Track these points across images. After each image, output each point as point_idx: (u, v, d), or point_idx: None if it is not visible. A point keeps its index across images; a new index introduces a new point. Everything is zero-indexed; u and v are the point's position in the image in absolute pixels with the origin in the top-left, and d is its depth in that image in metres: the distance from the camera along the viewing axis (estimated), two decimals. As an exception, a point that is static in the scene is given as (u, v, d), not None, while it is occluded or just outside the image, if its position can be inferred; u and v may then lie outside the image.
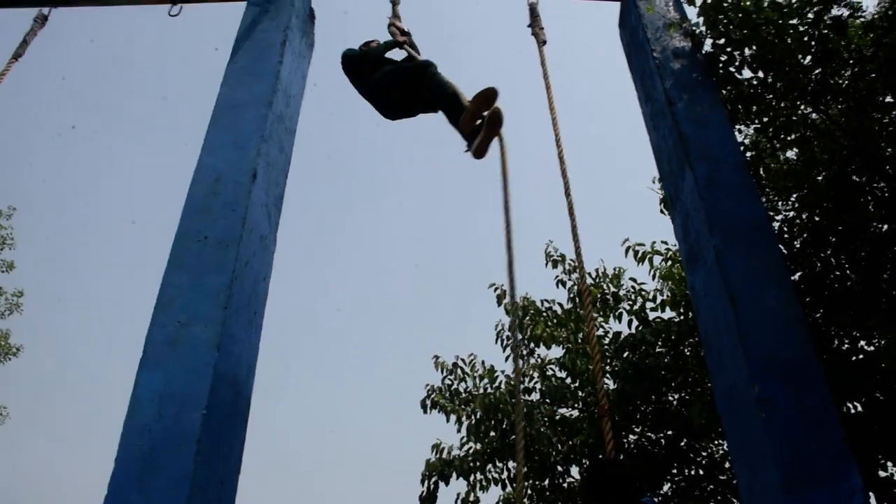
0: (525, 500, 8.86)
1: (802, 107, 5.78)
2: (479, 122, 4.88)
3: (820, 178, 6.18)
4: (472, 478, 8.84)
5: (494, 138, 4.78)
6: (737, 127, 5.81)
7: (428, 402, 9.12)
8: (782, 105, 5.64)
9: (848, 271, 6.16)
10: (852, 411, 6.19)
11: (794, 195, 6.51)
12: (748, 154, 6.42)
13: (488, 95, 4.83)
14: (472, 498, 8.96)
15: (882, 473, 6.21)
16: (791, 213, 6.57)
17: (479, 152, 4.85)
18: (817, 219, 6.21)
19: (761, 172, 6.49)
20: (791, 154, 6.60)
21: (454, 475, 8.74)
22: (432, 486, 8.83)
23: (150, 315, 3.72)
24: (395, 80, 5.50)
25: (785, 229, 6.38)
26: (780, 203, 6.70)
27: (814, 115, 5.92)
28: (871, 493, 6.03)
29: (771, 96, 5.48)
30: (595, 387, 3.90)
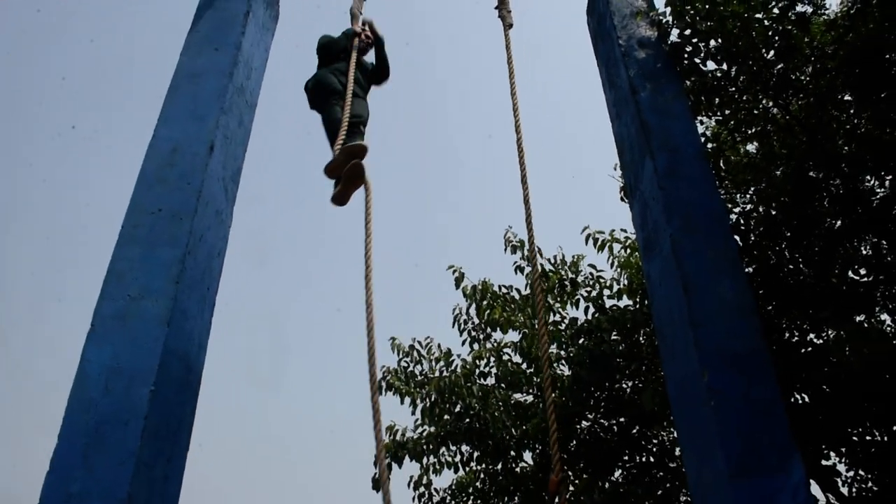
0: (477, 483, 8.93)
1: (764, 101, 5.85)
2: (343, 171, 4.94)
3: (778, 172, 6.26)
4: (424, 461, 8.87)
5: (356, 190, 4.89)
6: (698, 118, 5.85)
7: (383, 384, 9.10)
8: (744, 98, 5.69)
9: (801, 265, 6.26)
10: (799, 402, 6.31)
11: (752, 188, 6.59)
12: (709, 146, 6.48)
13: (354, 152, 4.89)
14: (424, 481, 8.99)
15: (825, 462, 6.36)
16: (748, 206, 6.65)
17: (338, 200, 4.98)
18: (773, 212, 6.29)
19: (721, 164, 6.55)
20: (751, 147, 6.68)
21: (407, 458, 8.75)
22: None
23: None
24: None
25: (741, 222, 6.46)
26: (737, 196, 6.78)
27: (774, 110, 5.99)
28: (812, 482, 6.18)
29: (733, 89, 5.53)
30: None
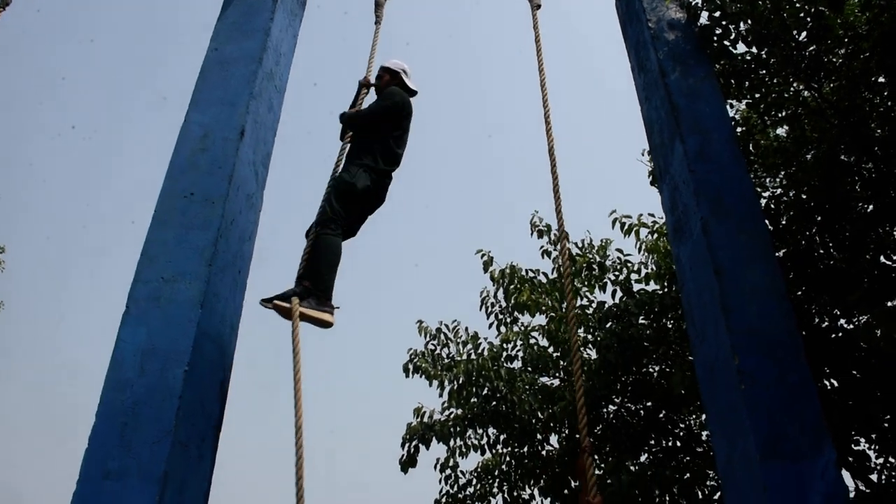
0: (503, 466, 8.97)
1: (795, 84, 5.78)
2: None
3: (809, 156, 6.20)
4: (451, 443, 8.93)
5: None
6: (728, 102, 5.79)
7: (410, 367, 9.16)
8: (775, 81, 5.63)
9: (832, 250, 6.20)
10: (829, 388, 6.27)
11: (783, 172, 6.52)
12: (738, 129, 6.42)
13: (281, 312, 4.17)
14: (451, 463, 9.06)
15: (855, 448, 6.32)
16: (778, 190, 6.59)
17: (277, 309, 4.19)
18: (804, 196, 6.23)
19: (751, 148, 6.49)
20: (781, 131, 6.61)
21: (434, 440, 8.82)
22: (412, 450, 8.91)
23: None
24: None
25: (772, 206, 6.40)
26: (767, 180, 6.72)
27: (806, 93, 5.91)
28: (843, 470, 6.14)
29: (764, 72, 5.47)
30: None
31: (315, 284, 4.33)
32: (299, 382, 3.81)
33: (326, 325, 4.31)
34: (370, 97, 5.37)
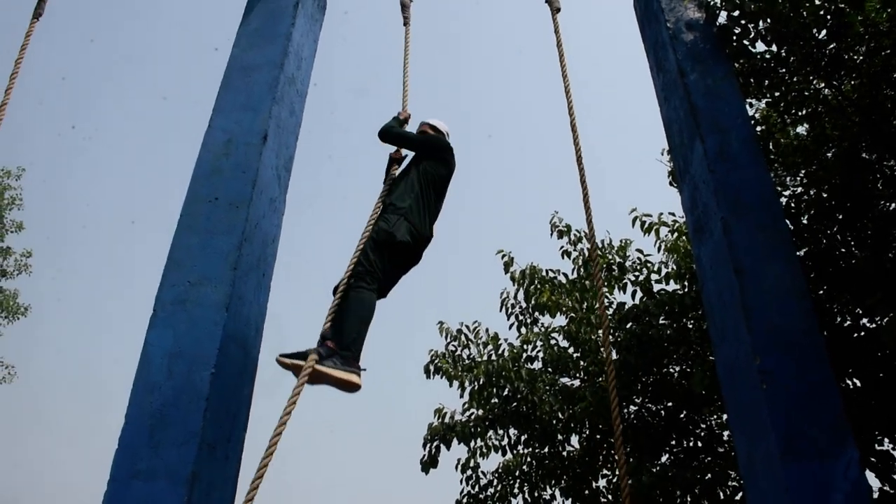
0: (524, 466, 8.99)
1: (815, 82, 5.75)
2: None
3: (829, 154, 6.17)
4: (472, 444, 8.95)
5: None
6: (748, 100, 5.78)
7: (431, 368, 9.20)
8: (794, 79, 5.61)
9: (853, 248, 6.16)
10: (851, 387, 6.24)
11: (803, 171, 6.50)
12: (758, 128, 6.39)
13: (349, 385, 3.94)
14: (472, 463, 9.08)
15: (879, 448, 6.28)
16: (799, 189, 6.56)
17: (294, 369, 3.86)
18: (825, 195, 6.20)
19: (771, 147, 6.47)
20: (801, 129, 6.58)
21: (455, 440, 8.85)
22: (434, 451, 8.95)
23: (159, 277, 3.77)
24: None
25: (792, 205, 6.38)
26: (788, 178, 6.69)
27: (826, 91, 5.88)
28: (866, 468, 6.11)
29: (784, 70, 5.45)
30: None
31: (341, 344, 3.98)
32: (274, 446, 3.42)
33: (353, 387, 3.93)
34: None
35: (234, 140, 4.26)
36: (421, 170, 4.78)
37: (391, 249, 4.37)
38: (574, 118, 4.98)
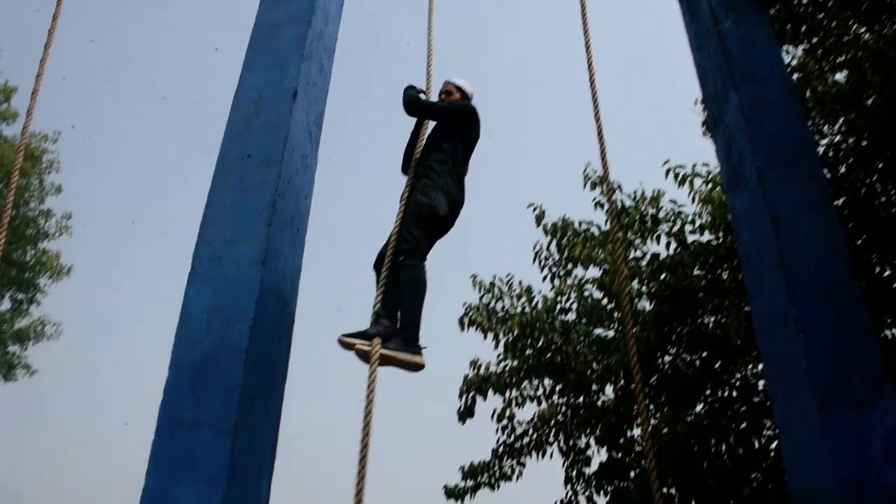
0: (559, 416, 9.08)
1: (855, 26, 5.58)
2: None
3: (870, 101, 6.01)
4: (507, 394, 9.06)
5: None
6: (784, 48, 5.64)
7: (465, 320, 9.27)
8: (833, 24, 5.46)
9: (893, 198, 6.04)
10: (890, 337, 6.17)
11: (842, 119, 6.35)
12: (795, 76, 6.24)
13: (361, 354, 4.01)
14: (507, 413, 9.20)
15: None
16: (837, 138, 6.42)
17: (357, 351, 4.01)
18: (864, 143, 6.06)
19: (808, 95, 6.32)
20: (840, 76, 6.41)
21: (491, 391, 8.96)
22: (470, 401, 9.07)
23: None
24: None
25: (830, 154, 6.25)
26: (826, 127, 6.54)
27: (866, 35, 5.71)
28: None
29: (822, 15, 5.30)
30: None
31: (401, 323, 4.09)
32: (369, 428, 3.64)
33: (417, 367, 4.03)
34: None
35: (265, 98, 4.26)
36: (450, 138, 4.77)
37: (433, 224, 4.43)
38: (592, 62, 4.93)
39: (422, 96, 5.10)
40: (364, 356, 3.92)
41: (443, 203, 4.46)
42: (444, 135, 4.81)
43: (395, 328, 4.08)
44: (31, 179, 16.89)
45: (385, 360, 3.94)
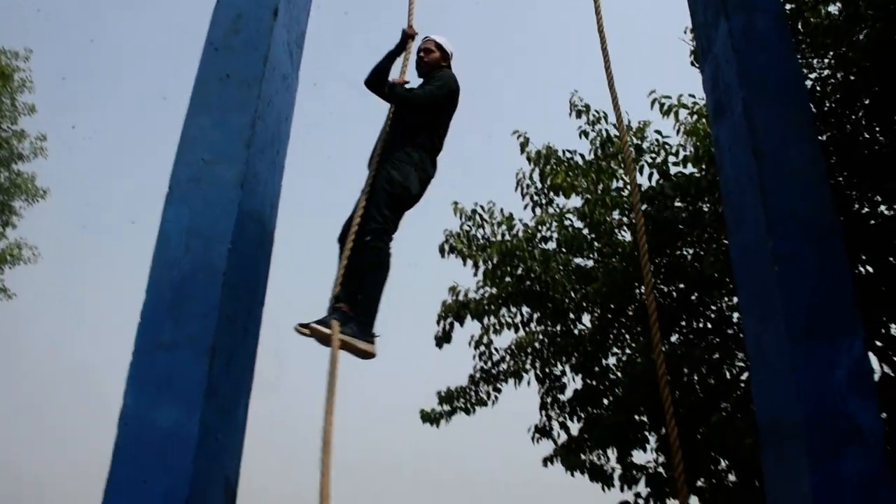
0: (536, 343, 9.21)
1: (851, -46, 5.48)
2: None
3: (861, 35, 5.93)
4: (485, 321, 9.15)
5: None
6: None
7: (446, 247, 9.29)
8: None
9: (878, 135, 6.03)
10: (863, 273, 6.26)
11: (832, 53, 6.28)
12: (787, 6, 6.14)
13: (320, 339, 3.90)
14: (485, 340, 9.32)
15: (884, 332, 6.37)
16: (826, 72, 6.37)
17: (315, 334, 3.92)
18: (853, 78, 6.02)
19: (800, 27, 6.23)
20: (834, 8, 6.31)
21: (469, 317, 9.04)
22: (448, 327, 9.16)
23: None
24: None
25: (818, 88, 6.21)
26: (815, 60, 6.48)
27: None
28: (870, 352, 6.21)
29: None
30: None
31: (360, 308, 3.99)
32: (331, 415, 3.45)
33: (368, 356, 3.93)
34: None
35: (244, 15, 4.13)
36: (426, 118, 4.58)
37: (404, 202, 4.32)
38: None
39: (406, 86, 4.75)
40: (324, 339, 3.82)
41: (415, 182, 4.33)
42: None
43: (351, 313, 3.97)
44: (3, 98, 16.43)
45: (342, 346, 3.81)
